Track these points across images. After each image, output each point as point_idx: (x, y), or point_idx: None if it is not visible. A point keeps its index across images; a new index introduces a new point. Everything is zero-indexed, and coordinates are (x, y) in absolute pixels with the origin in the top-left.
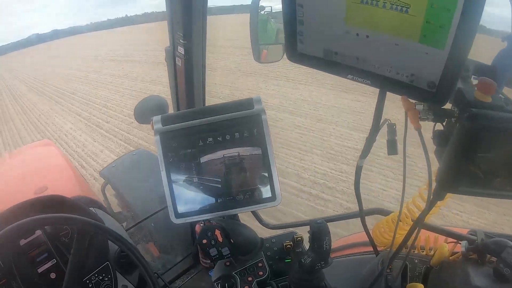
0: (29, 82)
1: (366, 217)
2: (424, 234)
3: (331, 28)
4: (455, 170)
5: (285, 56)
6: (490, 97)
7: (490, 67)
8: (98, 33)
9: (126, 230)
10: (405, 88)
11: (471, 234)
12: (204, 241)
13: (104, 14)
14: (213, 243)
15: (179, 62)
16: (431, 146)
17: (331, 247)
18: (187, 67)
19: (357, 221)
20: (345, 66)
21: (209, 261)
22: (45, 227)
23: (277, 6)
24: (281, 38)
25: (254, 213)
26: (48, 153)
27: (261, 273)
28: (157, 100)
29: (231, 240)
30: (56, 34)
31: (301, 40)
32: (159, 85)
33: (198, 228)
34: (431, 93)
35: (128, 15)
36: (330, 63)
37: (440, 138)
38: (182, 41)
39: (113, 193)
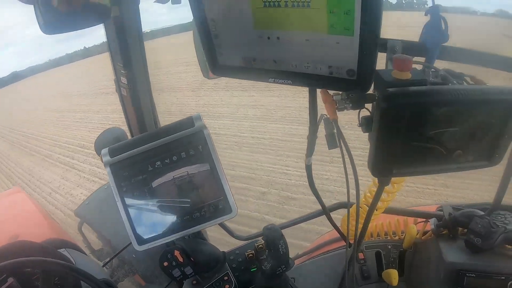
0: (7, 135)
1: (333, 213)
2: (394, 219)
3: (244, 36)
4: (382, 153)
5: None
6: (409, 73)
7: (418, 44)
8: (59, 69)
9: (104, 266)
10: (326, 81)
11: (439, 210)
12: (165, 263)
13: (63, 50)
14: (174, 264)
15: (124, 91)
16: None
17: (307, 248)
18: (133, 96)
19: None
20: (264, 70)
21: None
22: (17, 273)
23: None
24: None
25: (224, 227)
26: (18, 201)
27: (227, 286)
28: (115, 132)
29: (192, 259)
30: (16, 77)
31: (220, 52)
32: None
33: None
34: (352, 81)
35: (87, 47)
36: (250, 70)
37: (366, 124)
38: (123, 71)
39: (92, 230)
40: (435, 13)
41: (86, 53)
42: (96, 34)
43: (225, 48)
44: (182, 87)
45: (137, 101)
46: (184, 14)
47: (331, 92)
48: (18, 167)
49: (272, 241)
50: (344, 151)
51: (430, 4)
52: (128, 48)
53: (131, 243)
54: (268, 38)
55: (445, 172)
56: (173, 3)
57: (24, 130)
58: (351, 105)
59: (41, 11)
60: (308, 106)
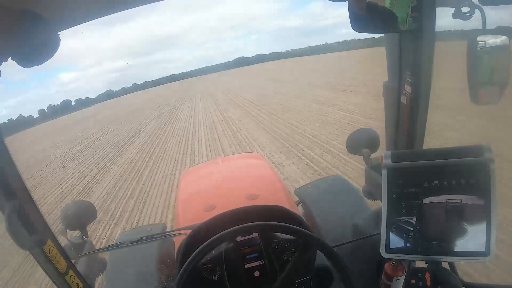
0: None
1: None
2: None
3: None
4: None
5: None
6: None
7: None
8: (301, 58)
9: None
10: None
11: None
12: (413, 281)
13: (305, 42)
14: (420, 285)
15: (404, 100)
16: None
17: None
18: (413, 106)
19: None
20: None
21: None
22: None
23: (492, 40)
24: (497, 77)
25: (451, 265)
26: (257, 164)
27: None
28: (369, 133)
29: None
30: (260, 58)
31: None
32: None
33: (387, 266)
34: None
35: (328, 43)
36: None
37: None
38: (409, 80)
39: (303, 213)
40: None
41: (327, 48)
42: (336, 33)
43: None
44: None
45: (414, 113)
46: None
47: None
48: None
49: None
50: None
51: None
52: (421, 59)
53: (352, 241)
54: None
55: None
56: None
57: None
58: None
59: (352, 12)
60: None
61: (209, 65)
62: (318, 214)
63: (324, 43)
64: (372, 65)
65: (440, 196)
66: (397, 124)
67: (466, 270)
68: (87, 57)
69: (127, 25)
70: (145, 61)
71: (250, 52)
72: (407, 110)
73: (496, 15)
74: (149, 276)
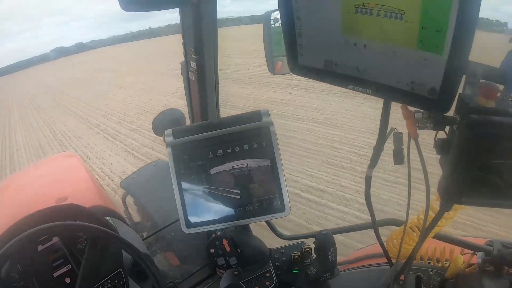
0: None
1: (381, 227)
2: (440, 245)
3: (329, 39)
4: (456, 179)
5: None
6: (494, 102)
7: (499, 71)
8: (122, 45)
9: (144, 239)
10: (406, 96)
11: (488, 245)
12: (212, 250)
13: (127, 28)
14: (220, 252)
15: (192, 76)
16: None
17: (341, 259)
18: (200, 81)
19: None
20: (345, 76)
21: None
22: (63, 234)
23: None
24: None
25: (268, 224)
26: (70, 164)
27: (268, 283)
28: (174, 113)
29: (239, 250)
30: (80, 47)
31: (301, 52)
32: None
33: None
34: (432, 100)
35: (152, 27)
36: (331, 74)
37: (442, 146)
38: (194, 56)
39: (134, 203)
40: None
41: (151, 33)
42: (162, 18)
43: (307, 48)
44: None
45: (203, 88)
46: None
47: (411, 109)
48: None
49: (324, 247)
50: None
51: (510, 26)
52: (202, 35)
53: (174, 222)
54: (355, 44)
55: None
56: None
57: None
58: (432, 125)
59: None
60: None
61: (25, 58)
62: (147, 201)
63: (148, 27)
64: None
65: (226, 164)
66: (191, 100)
67: None
68: None
69: None
70: None
71: (70, 41)
72: (196, 86)
73: None
74: None
